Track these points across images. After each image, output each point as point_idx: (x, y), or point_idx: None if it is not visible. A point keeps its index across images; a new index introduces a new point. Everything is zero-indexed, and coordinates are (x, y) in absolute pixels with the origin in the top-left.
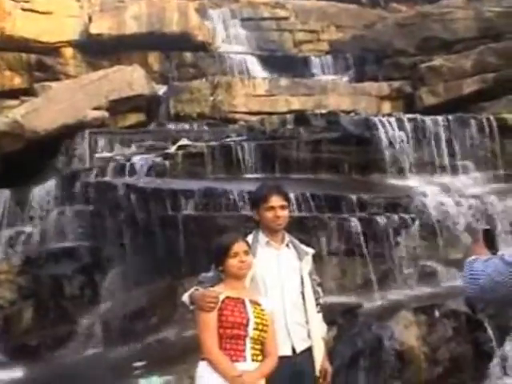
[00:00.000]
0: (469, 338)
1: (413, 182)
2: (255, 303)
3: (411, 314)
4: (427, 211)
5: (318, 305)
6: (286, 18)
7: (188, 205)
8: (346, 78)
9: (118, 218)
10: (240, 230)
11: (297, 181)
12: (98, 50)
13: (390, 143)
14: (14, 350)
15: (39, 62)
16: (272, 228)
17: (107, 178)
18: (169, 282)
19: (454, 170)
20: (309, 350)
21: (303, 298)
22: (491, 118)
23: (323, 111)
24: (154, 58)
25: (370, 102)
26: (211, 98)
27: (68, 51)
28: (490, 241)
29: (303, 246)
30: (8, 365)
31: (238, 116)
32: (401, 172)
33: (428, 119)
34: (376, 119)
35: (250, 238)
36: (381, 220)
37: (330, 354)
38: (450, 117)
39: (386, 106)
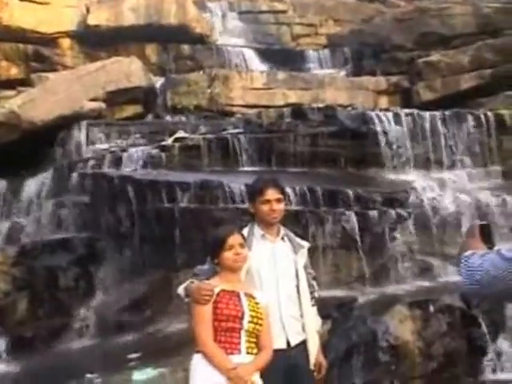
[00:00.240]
0: (463, 333)
1: (409, 176)
2: (250, 296)
3: (406, 308)
4: (423, 206)
5: (312, 298)
6: (283, 12)
7: (184, 197)
8: (343, 72)
9: (114, 209)
10: (236, 223)
11: (293, 174)
12: (96, 41)
13: (387, 138)
14: (8, 341)
15: (36, 53)
16: (267, 221)
17: (103, 170)
18: (164, 274)
19: (451, 166)
20: (303, 343)
21: (298, 291)
22: (488, 113)
23: (320, 105)
24: (151, 50)
25: (367, 96)
26: (208, 91)
27: (65, 42)
28: (486, 235)
29: (298, 240)
30: (2, 356)
31: (235, 109)
32: (397, 167)
33: (425, 114)
34: (373, 114)
35: (245, 231)
36: (377, 214)
37: (325, 347)
38: (447, 112)
39: (383, 101)
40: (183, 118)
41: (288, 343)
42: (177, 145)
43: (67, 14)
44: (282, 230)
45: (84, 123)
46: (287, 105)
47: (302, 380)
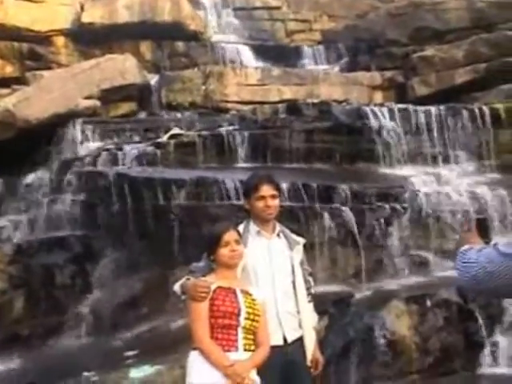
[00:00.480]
0: (460, 328)
1: (404, 172)
2: (246, 293)
3: (403, 303)
4: (419, 201)
5: (309, 294)
6: (278, 8)
7: (180, 194)
8: (338, 68)
9: (110, 207)
10: (232, 220)
11: (289, 170)
12: (90, 39)
13: (382, 133)
14: (4, 339)
15: (31, 51)
16: (263, 217)
17: (99, 167)
18: (160, 271)
19: (446, 160)
20: (300, 339)
21: (294, 287)
22: (483, 108)
23: (315, 101)
24: (145, 48)
25: (361, 91)
26: (203, 88)
27: (60, 40)
28: (483, 230)
29: (294, 236)
30: None
31: (229, 105)
32: (393, 162)
33: (420, 109)
34: (368, 109)
35: (240, 228)
36: (372, 210)
37: (322, 343)
38: (442, 107)
39: (378, 96)
40: (178, 115)
41: (285, 339)
42: (172, 142)
43: (61, 12)
44: (278, 227)
45: (79, 121)
46: (282, 101)
47: (298, 376)
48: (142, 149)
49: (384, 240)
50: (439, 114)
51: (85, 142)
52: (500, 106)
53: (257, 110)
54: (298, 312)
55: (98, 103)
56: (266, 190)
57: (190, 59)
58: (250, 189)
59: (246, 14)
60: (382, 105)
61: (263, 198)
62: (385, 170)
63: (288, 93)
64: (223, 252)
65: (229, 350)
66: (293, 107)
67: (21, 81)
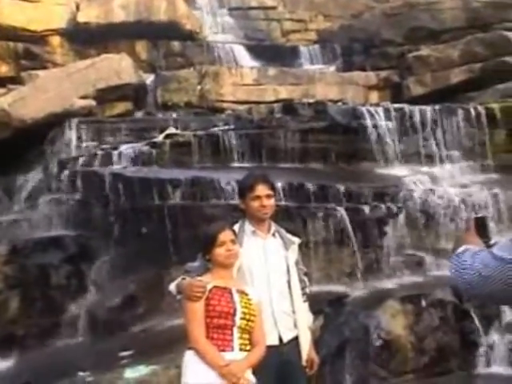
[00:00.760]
0: (455, 328)
1: (400, 171)
2: (242, 293)
3: (398, 303)
4: (414, 201)
5: (304, 294)
6: (273, 8)
7: (175, 194)
8: (333, 68)
9: (105, 207)
10: (227, 219)
11: (284, 170)
12: (86, 39)
13: (378, 133)
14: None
15: (27, 51)
16: (258, 217)
17: (94, 167)
18: (156, 271)
19: (442, 160)
20: (295, 339)
21: (289, 287)
22: (479, 107)
23: (311, 100)
24: (141, 47)
25: (357, 91)
26: (199, 87)
27: (55, 40)
28: (482, 229)
29: (289, 236)
30: None
31: (225, 105)
32: (388, 162)
33: (415, 109)
34: (363, 109)
35: (236, 228)
36: (368, 210)
37: (317, 343)
38: (438, 106)
39: (374, 96)
40: (174, 115)
41: (280, 339)
42: (167, 141)
43: (57, 12)
44: (273, 226)
45: (74, 121)
46: (278, 100)
47: (294, 376)
48: (138, 149)
49: (379, 240)
50: (434, 114)
51: (80, 142)
52: (495, 106)
53: (252, 109)
54: (294, 312)
55: (93, 103)
56: (262, 189)
57: (185, 59)
58: (245, 188)
59: (242, 13)
60: (377, 105)
61: (258, 197)
62: (380, 169)
63: (284, 92)
64: (219, 252)
65: (224, 350)
66: (288, 107)
67: (16, 80)
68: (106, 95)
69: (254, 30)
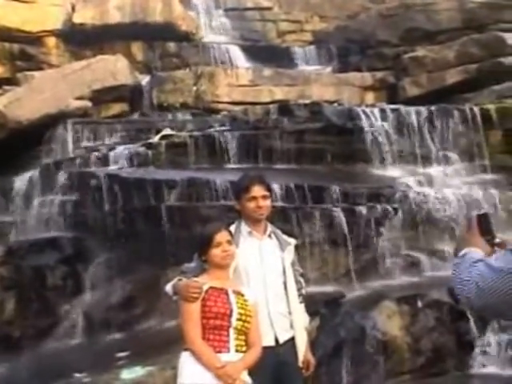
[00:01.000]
0: (451, 328)
1: (396, 172)
2: (239, 293)
3: (394, 304)
4: (410, 201)
5: (300, 295)
6: (269, 8)
7: (171, 195)
8: (329, 69)
9: (101, 208)
10: (223, 220)
11: (280, 171)
12: (81, 40)
13: (373, 134)
14: None
15: (22, 52)
16: (254, 218)
17: (90, 168)
18: (152, 272)
19: (437, 161)
20: (292, 340)
21: (285, 288)
22: (474, 108)
23: (306, 101)
24: (137, 48)
25: (353, 92)
26: (194, 88)
27: (51, 40)
28: (484, 226)
29: (285, 237)
30: None
31: (221, 106)
32: (384, 162)
33: (411, 110)
34: (359, 110)
35: (232, 228)
36: (364, 210)
37: (313, 344)
38: (433, 107)
39: (369, 97)
40: (169, 116)
41: (276, 340)
42: (163, 142)
43: (52, 13)
44: (269, 227)
45: (70, 122)
46: (273, 101)
47: (290, 377)
48: (134, 149)
49: (375, 240)
50: (430, 115)
51: (76, 143)
52: (491, 107)
53: (248, 110)
54: (290, 313)
55: (89, 104)
56: (257, 190)
57: (181, 60)
58: (240, 190)
59: (238, 14)
60: (373, 105)
61: (254, 198)
62: (376, 170)
63: (279, 93)
64: (215, 252)
65: (220, 351)
66: (284, 108)
67: (12, 81)
68: (101, 96)
69: (250, 30)
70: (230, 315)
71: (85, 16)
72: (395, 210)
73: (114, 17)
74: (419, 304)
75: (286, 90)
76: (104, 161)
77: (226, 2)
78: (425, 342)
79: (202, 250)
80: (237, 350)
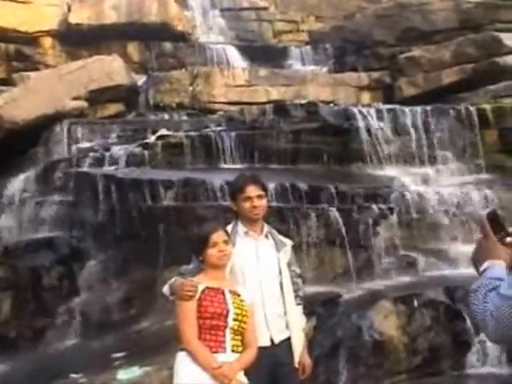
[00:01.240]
0: (448, 328)
1: (392, 172)
2: (235, 293)
3: (391, 303)
4: (406, 201)
5: (297, 297)
6: (265, 8)
7: (167, 195)
8: (325, 69)
9: (97, 208)
10: (219, 220)
11: (276, 171)
12: (78, 40)
13: (370, 134)
14: None
15: (18, 52)
16: (250, 218)
17: (86, 169)
18: (148, 272)
19: (433, 161)
20: (288, 340)
21: (281, 288)
22: (471, 108)
23: (303, 101)
24: (133, 49)
25: (349, 92)
26: (190, 89)
27: (47, 41)
28: (496, 224)
29: (282, 237)
30: None
31: (217, 106)
32: (380, 162)
33: (407, 110)
34: (355, 110)
35: (228, 229)
36: (360, 210)
37: (310, 343)
38: (429, 107)
39: (366, 97)
40: (166, 116)
41: (272, 341)
42: (160, 143)
43: (49, 13)
44: (266, 228)
45: (66, 122)
46: (269, 101)
47: (286, 377)
48: (130, 150)
49: (372, 240)
50: (426, 115)
51: (72, 143)
52: (487, 107)
53: (244, 110)
54: (285, 313)
55: (85, 104)
56: (252, 190)
57: (177, 60)
58: (236, 190)
59: (234, 14)
60: (369, 105)
61: (249, 198)
62: (372, 170)
63: (275, 93)
64: (211, 252)
65: (217, 352)
66: (280, 108)
67: (8, 82)
68: (97, 96)
69: (246, 30)
70: (227, 315)
71: (81, 16)
72: (391, 209)
73: (110, 17)
74: (415, 304)
75: (283, 90)
76: (100, 161)
77: (221, 2)
78: (421, 341)
79: (199, 250)
80: (233, 351)
